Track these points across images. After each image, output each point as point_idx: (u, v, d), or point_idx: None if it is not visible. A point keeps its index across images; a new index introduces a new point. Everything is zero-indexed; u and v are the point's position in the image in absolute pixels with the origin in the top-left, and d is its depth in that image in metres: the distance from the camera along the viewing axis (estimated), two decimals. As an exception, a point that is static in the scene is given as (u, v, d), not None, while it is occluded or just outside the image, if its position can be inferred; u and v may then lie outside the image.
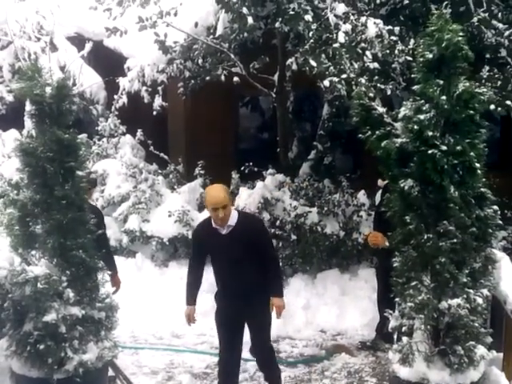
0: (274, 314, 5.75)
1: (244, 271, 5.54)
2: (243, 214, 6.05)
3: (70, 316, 4.64)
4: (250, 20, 7.85)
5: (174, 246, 9.12)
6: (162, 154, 10.55)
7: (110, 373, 5.56)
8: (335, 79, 7.55)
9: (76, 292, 4.70)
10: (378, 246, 6.67)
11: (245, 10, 7.84)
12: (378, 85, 7.75)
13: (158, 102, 10.35)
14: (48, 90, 4.64)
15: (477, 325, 4.58)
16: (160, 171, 10.10)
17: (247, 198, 8.83)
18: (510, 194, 9.13)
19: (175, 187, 9.72)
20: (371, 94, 7.32)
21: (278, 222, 8.65)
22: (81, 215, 4.75)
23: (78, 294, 4.73)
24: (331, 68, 7.61)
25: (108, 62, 11.19)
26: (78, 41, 11.26)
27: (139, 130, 10.66)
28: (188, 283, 5.80)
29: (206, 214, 9.03)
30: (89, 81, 11.00)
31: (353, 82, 7.45)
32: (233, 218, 5.53)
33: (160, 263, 8.99)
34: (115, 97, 10.56)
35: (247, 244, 5.50)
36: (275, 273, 5.78)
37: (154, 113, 10.38)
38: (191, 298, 5.75)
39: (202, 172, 9.72)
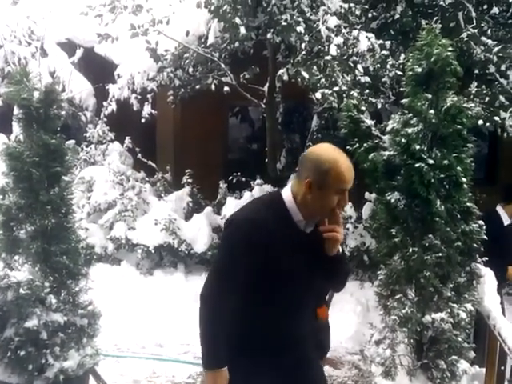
0: None
1: (319, 300, 3.51)
2: None
3: (52, 322, 4.60)
4: (243, 30, 7.86)
5: (160, 254, 9.09)
6: (149, 162, 10.52)
7: (92, 381, 5.52)
8: (327, 91, 7.56)
9: (58, 298, 4.67)
10: None
11: (237, 20, 7.85)
12: (370, 98, 7.78)
13: (147, 109, 10.33)
14: (36, 94, 4.62)
15: (460, 339, 4.58)
16: (147, 179, 10.08)
17: (234, 208, 8.83)
18: (496, 210, 9.14)
19: (162, 195, 9.70)
20: (363, 108, 7.35)
21: (265, 232, 8.62)
22: (65, 221, 4.72)
23: (61, 301, 4.70)
24: (323, 80, 7.64)
25: (98, 69, 11.17)
26: (68, 47, 11.23)
27: (127, 138, 10.63)
28: (214, 333, 3.15)
29: (194, 223, 9.12)
30: (78, 87, 10.98)
31: (344, 95, 7.47)
32: None
33: (145, 271, 8.95)
34: (104, 103, 10.55)
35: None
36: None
37: (143, 120, 10.36)
38: (221, 357, 3.17)
39: (189, 181, 9.71)
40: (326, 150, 3.27)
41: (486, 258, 4.96)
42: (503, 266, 6.36)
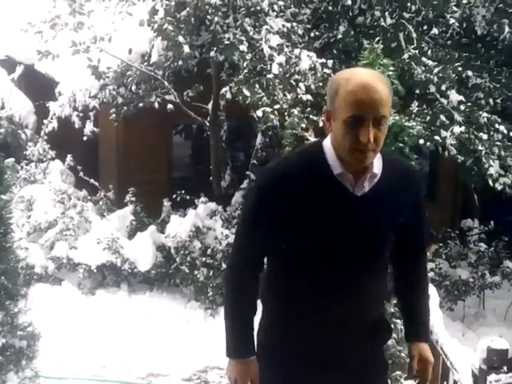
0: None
1: (372, 287, 2.58)
2: (387, 154, 2.59)
3: (-10, 345, 4.49)
4: (186, 48, 7.88)
5: (102, 273, 8.95)
6: (92, 181, 10.38)
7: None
8: (268, 109, 7.62)
9: (-4, 320, 4.56)
10: None
11: (181, 38, 7.86)
12: (311, 116, 7.85)
13: (89, 127, 10.20)
14: (-26, 110, 4.54)
15: (403, 355, 4.61)
16: (90, 198, 9.93)
17: (178, 226, 8.78)
18: (437, 227, 9.32)
19: (105, 214, 9.57)
20: (303, 125, 7.42)
21: (209, 250, 8.60)
22: (4, 240, 4.61)
23: (-1, 322, 4.59)
24: (264, 98, 7.69)
25: (39, 87, 11.02)
26: (8, 64, 11.06)
27: (69, 156, 10.47)
28: (238, 313, 2.61)
29: (138, 242, 9.04)
30: (18, 104, 10.80)
31: (285, 113, 7.52)
32: (376, 162, 2.46)
33: (87, 291, 8.79)
34: (45, 121, 10.38)
35: (394, 222, 2.55)
36: (424, 291, 2.83)
37: (85, 138, 10.23)
38: (247, 344, 2.62)
39: (132, 199, 9.59)
40: (345, 70, 2.49)
41: None
42: None
